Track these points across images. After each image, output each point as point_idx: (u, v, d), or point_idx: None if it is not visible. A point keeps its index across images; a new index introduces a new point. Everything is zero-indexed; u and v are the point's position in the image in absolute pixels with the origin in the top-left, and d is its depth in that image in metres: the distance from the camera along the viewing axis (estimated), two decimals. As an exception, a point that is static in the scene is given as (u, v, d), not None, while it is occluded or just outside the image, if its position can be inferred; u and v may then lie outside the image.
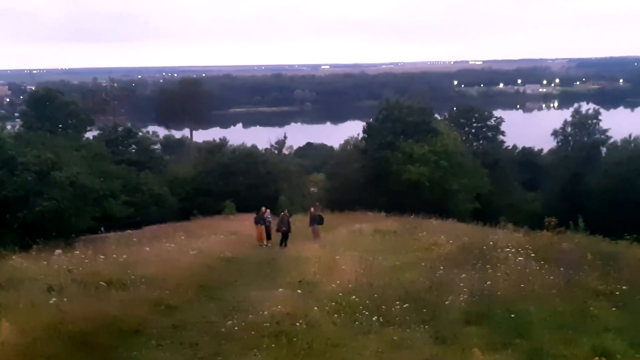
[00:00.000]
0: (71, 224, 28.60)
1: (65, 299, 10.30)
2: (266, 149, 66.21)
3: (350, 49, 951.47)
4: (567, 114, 71.17)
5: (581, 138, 63.07)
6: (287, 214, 26.16)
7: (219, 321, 11.15)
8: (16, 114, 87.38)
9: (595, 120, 63.62)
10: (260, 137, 75.27)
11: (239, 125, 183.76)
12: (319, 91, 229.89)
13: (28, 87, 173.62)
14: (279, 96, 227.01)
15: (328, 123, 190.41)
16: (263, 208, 26.24)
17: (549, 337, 8.99)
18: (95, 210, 31.95)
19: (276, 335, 9.50)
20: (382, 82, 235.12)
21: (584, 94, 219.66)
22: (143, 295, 11.96)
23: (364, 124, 52.80)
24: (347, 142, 71.54)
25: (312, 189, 62.49)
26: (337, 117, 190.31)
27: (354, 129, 71.00)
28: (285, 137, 72.95)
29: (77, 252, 16.29)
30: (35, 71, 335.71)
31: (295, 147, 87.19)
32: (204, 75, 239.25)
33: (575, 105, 78.49)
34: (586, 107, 71.35)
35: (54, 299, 10.14)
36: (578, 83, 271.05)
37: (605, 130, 62.84)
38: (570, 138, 64.24)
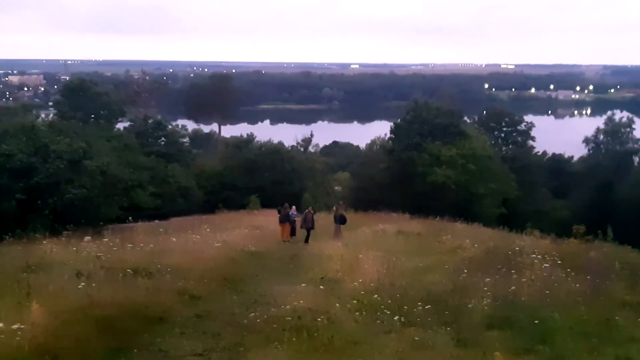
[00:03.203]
0: (100, 212, 29.16)
1: (93, 284, 10.54)
2: (292, 146, 66.47)
3: (380, 49, 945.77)
4: (599, 121, 69.84)
5: (613, 147, 61.83)
6: (311, 212, 26.24)
7: (242, 313, 11.28)
8: (50, 103, 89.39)
9: (628, 129, 62.32)
10: (287, 134, 75.56)
11: (267, 121, 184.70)
12: (347, 90, 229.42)
13: (62, 77, 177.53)
14: (307, 94, 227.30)
15: (355, 122, 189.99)
16: (286, 205, 26.32)
17: (573, 345, 8.89)
18: (124, 199, 32.50)
19: (297, 329, 9.57)
20: (411, 82, 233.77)
21: (617, 102, 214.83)
22: (168, 285, 12.15)
23: (391, 124, 52.56)
24: (373, 142, 71.33)
25: (336, 188, 62.50)
26: (365, 117, 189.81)
27: (381, 129, 70.73)
28: (311, 135, 73.16)
29: (106, 239, 16.59)
30: (69, 62, 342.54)
31: (321, 146, 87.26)
32: (234, 70, 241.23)
33: (609, 113, 76.98)
34: (620, 115, 69.91)
35: (83, 284, 10.38)
36: (612, 90, 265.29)
37: (639, 140, 61.52)
38: (602, 146, 63.04)
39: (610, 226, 18.24)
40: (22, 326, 7.65)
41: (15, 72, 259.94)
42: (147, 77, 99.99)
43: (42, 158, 28.41)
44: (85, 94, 57.07)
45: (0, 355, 7.10)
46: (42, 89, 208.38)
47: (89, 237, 17.63)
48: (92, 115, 56.59)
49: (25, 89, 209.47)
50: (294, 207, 27.02)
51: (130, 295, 10.51)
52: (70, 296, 9.69)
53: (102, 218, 28.94)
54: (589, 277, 12.44)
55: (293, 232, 25.61)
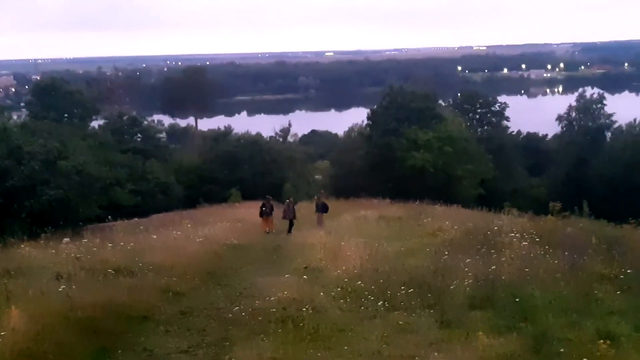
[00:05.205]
0: (78, 212, 28.75)
1: (73, 287, 10.44)
2: (271, 137, 66.31)
3: (354, 36, 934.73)
4: (571, 99, 70.51)
5: (586, 123, 62.50)
6: (292, 202, 26.22)
7: (226, 307, 11.28)
8: (22, 104, 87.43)
9: (599, 105, 63.03)
10: (265, 125, 75.36)
11: (244, 113, 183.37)
12: (323, 78, 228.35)
13: (33, 77, 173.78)
14: (283, 84, 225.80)
15: (332, 110, 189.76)
16: (269, 197, 26.16)
17: (554, 320, 9.06)
18: (102, 198, 32.09)
19: (283, 320, 9.62)
20: (386, 68, 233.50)
21: (588, 79, 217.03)
22: (151, 283, 12.09)
23: (368, 110, 52.70)
24: (351, 129, 71.32)
25: (317, 177, 62.51)
26: (342, 104, 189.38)
27: (358, 116, 70.79)
28: (289, 125, 72.99)
29: (85, 240, 16.41)
30: (40, 61, 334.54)
31: (299, 135, 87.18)
32: (208, 63, 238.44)
33: (580, 90, 77.68)
34: (591, 91, 70.57)
35: (63, 287, 10.26)
36: (583, 68, 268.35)
37: (610, 115, 62.30)
38: (574, 123, 63.66)
39: (585, 201, 18.53)
40: (2, 333, 7.55)
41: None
42: (120, 73, 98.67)
43: (16, 160, 27.86)
44: (57, 93, 56.00)
45: (-18, 363, 7.01)
46: (13, 89, 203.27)
47: (68, 239, 17.43)
48: (66, 115, 55.61)
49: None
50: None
51: (113, 296, 10.44)
52: (51, 300, 9.59)
53: (80, 218, 28.54)
54: (566, 253, 12.65)
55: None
